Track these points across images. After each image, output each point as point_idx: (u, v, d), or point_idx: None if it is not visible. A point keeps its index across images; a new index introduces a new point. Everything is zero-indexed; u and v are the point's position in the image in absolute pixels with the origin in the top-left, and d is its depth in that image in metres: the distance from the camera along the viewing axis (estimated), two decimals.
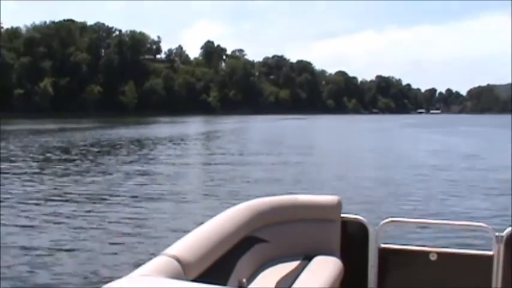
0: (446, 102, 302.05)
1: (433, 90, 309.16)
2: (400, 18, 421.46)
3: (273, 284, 3.69)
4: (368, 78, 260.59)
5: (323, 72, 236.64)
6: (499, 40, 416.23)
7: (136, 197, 17.20)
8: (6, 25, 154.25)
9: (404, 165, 28.00)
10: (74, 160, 28.59)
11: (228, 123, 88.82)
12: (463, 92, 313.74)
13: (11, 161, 27.30)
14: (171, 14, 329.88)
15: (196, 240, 3.34)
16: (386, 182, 21.48)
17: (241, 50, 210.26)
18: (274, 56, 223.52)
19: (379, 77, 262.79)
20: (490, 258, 4.14)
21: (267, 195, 4.54)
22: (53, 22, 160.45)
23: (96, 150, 35.56)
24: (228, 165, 27.43)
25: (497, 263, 4.12)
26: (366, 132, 66.01)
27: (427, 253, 4.28)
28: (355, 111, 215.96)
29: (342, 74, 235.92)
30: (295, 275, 3.86)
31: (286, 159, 30.40)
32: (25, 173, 22.83)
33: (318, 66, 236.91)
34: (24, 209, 14.72)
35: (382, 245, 4.33)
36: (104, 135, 51.33)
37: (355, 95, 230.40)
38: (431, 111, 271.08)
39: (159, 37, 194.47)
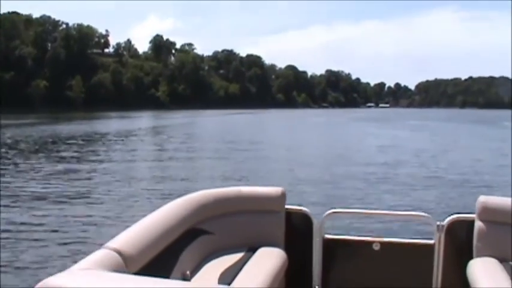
0: (395, 96, 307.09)
1: (382, 85, 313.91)
2: (349, 14, 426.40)
3: (217, 276, 3.68)
4: (318, 73, 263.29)
5: (273, 66, 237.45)
6: (447, 35, 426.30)
7: (79, 192, 17.00)
8: None
9: (350, 158, 28.45)
10: (11, 158, 27.79)
11: (177, 118, 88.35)
12: (412, 86, 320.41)
13: None
14: (121, 9, 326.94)
15: (138, 233, 3.31)
16: (332, 174, 21.77)
17: (190, 44, 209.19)
18: (223, 51, 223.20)
19: (328, 72, 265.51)
20: (431, 247, 4.25)
21: (212, 187, 4.50)
22: None
23: (36, 147, 34.65)
24: (175, 159, 27.36)
25: (438, 251, 4.23)
26: (314, 127, 66.54)
27: (371, 243, 4.34)
28: (305, 105, 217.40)
29: (291, 68, 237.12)
30: (239, 266, 3.85)
31: (234, 153, 30.44)
32: None
33: (267, 60, 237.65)
34: None
35: (326, 236, 4.38)
36: (48, 131, 50.19)
37: (305, 90, 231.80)
38: (381, 105, 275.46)
39: (107, 31, 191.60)
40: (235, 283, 3.53)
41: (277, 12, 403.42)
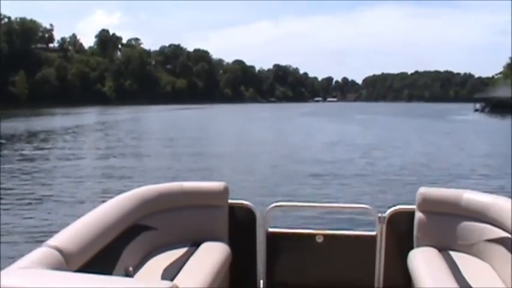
0: (342, 90, 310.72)
1: (329, 79, 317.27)
2: (296, 8, 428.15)
3: (160, 271, 3.65)
4: (265, 67, 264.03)
5: (220, 61, 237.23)
6: (393, 30, 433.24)
7: (21, 191, 16.57)
8: None
9: (295, 152, 28.68)
10: None
11: (123, 114, 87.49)
12: (359, 81, 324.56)
13: None
14: (66, 4, 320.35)
15: (79, 230, 3.26)
16: (277, 169, 21.94)
17: (137, 39, 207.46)
18: (171, 45, 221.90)
19: (276, 66, 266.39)
20: (373, 238, 4.32)
21: (156, 183, 4.44)
22: None
23: None
24: (120, 155, 27.22)
25: (380, 242, 4.30)
26: (261, 122, 66.58)
27: (314, 235, 4.38)
28: (253, 100, 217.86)
29: (239, 63, 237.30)
30: (182, 261, 3.84)
31: (179, 149, 30.39)
32: None
33: (215, 55, 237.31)
34: None
35: (270, 229, 4.40)
36: None
37: (253, 84, 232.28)
38: (328, 99, 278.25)
39: (51, 25, 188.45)
40: (178, 278, 3.51)
41: (225, 7, 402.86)
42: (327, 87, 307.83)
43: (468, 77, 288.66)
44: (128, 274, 3.54)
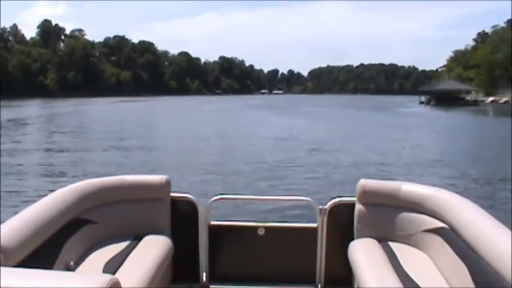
0: (288, 82, 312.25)
1: (275, 71, 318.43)
2: (242, 1, 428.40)
3: (102, 266, 3.62)
4: (211, 60, 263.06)
5: (166, 53, 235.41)
6: (339, 23, 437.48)
7: None
8: None
9: (239, 146, 28.67)
10: None
11: (66, 107, 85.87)
12: (305, 73, 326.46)
13: None
14: None
15: (18, 224, 3.21)
16: (220, 162, 21.97)
17: (80, 30, 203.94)
18: (115, 37, 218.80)
19: (222, 58, 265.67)
20: (314, 230, 4.39)
21: (97, 177, 4.44)
22: None
23: None
24: (62, 149, 26.82)
25: (321, 234, 4.38)
26: (207, 114, 66.29)
27: (255, 228, 4.43)
28: (199, 92, 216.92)
29: (184, 55, 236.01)
30: (124, 255, 3.82)
31: (122, 142, 30.14)
32: None
33: (160, 47, 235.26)
34: None
35: (212, 222, 4.43)
36: None
37: (198, 76, 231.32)
38: (274, 91, 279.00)
39: None
40: (120, 272, 3.49)
41: None
42: (273, 79, 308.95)
43: (412, 70, 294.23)
44: (69, 269, 3.50)
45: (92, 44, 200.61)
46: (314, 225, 4.42)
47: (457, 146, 30.40)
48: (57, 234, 3.54)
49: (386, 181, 4.40)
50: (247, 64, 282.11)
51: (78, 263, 3.68)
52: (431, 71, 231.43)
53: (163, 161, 22.63)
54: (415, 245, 4.05)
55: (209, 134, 36.47)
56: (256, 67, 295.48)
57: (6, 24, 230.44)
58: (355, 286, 3.99)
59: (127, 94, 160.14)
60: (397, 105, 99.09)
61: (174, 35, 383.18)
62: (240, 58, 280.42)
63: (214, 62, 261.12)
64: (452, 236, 3.58)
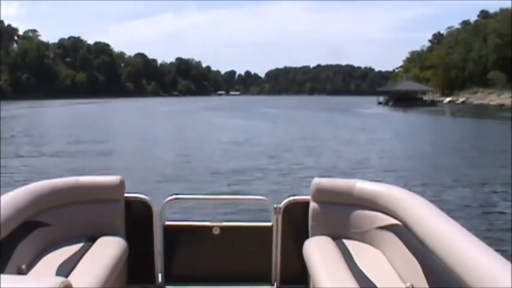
0: (245, 83, 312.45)
1: (232, 72, 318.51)
2: (198, 2, 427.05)
3: (55, 268, 3.55)
4: (168, 61, 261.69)
5: (122, 54, 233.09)
6: (295, 25, 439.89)
7: None
8: None
9: (194, 147, 28.62)
10: None
11: (19, 109, 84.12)
12: (262, 74, 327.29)
13: None
14: None
15: None
16: (175, 163, 21.94)
17: (34, 31, 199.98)
18: (70, 38, 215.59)
19: (178, 60, 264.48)
20: (269, 229, 4.41)
21: (48, 178, 4.33)
22: None
23: None
24: (14, 152, 26.35)
25: (276, 232, 4.39)
26: (163, 116, 65.80)
27: (211, 227, 4.43)
28: (155, 93, 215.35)
29: (141, 56, 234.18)
30: (77, 257, 3.76)
31: (77, 144, 29.70)
32: None
33: (116, 48, 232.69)
34: None
35: (167, 222, 4.42)
36: None
37: (155, 78, 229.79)
38: (231, 92, 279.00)
39: None
40: (73, 274, 3.43)
41: None
42: (230, 80, 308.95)
43: (369, 70, 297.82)
44: (21, 272, 3.44)
45: (46, 45, 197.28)
46: (269, 224, 4.43)
47: (415, 146, 30.80)
48: (8, 238, 3.45)
49: (340, 179, 4.44)
50: (204, 65, 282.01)
51: (30, 266, 3.60)
52: (388, 72, 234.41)
53: (117, 162, 22.50)
54: (369, 242, 4.09)
55: (165, 136, 36.28)
56: (213, 68, 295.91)
57: None
58: (311, 283, 4.00)
59: (83, 96, 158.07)
60: (355, 106, 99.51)
61: (130, 36, 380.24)
62: (197, 59, 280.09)
63: (171, 63, 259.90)
64: (405, 232, 3.63)
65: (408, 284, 3.33)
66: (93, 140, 32.89)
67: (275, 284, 4.45)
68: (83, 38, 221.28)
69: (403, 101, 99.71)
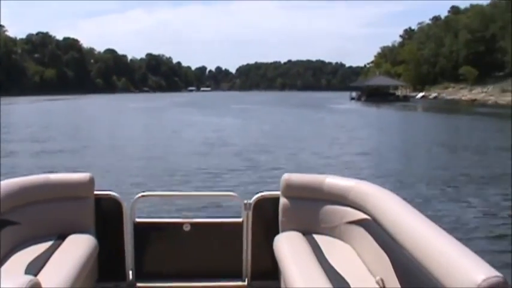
0: (216, 79, 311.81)
1: (203, 68, 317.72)
2: None
3: (23, 267, 3.52)
4: (138, 57, 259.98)
5: (91, 50, 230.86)
6: (266, 21, 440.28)
7: None
8: None
9: (164, 143, 28.59)
10: None
11: None
12: (233, 70, 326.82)
13: None
14: None
15: None
16: (145, 161, 21.84)
17: (1, 26, 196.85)
18: (38, 33, 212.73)
19: (149, 55, 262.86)
20: (239, 225, 4.43)
21: (16, 176, 4.29)
22: None
23: None
24: None
25: (246, 229, 4.42)
26: (133, 113, 65.23)
27: (181, 224, 4.43)
28: (125, 90, 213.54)
29: (111, 52, 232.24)
30: (47, 255, 3.73)
31: (46, 141, 29.37)
32: None
33: (86, 44, 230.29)
34: None
35: (137, 220, 4.41)
36: None
37: (125, 74, 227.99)
38: (202, 88, 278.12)
39: None
40: (42, 273, 3.41)
41: None
42: (201, 76, 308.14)
43: (339, 66, 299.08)
44: None
45: (13, 41, 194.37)
46: (239, 220, 4.44)
47: (389, 142, 30.94)
48: None
49: (310, 175, 4.47)
50: (174, 61, 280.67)
51: None
52: (359, 67, 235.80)
53: (86, 160, 22.31)
54: (339, 237, 4.12)
55: (135, 133, 36.07)
56: (184, 64, 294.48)
57: None
58: (281, 279, 4.02)
59: (51, 92, 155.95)
60: (328, 101, 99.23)
61: (100, 32, 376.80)
62: (168, 55, 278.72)
63: (141, 59, 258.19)
64: (374, 227, 3.66)
65: (378, 278, 3.37)
66: (62, 137, 32.57)
67: (246, 279, 4.46)
68: (52, 33, 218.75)
69: (376, 96, 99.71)
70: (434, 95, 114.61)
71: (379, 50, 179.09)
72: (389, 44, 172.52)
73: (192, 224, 4.44)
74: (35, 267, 3.52)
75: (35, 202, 4.14)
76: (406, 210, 3.37)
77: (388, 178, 17.71)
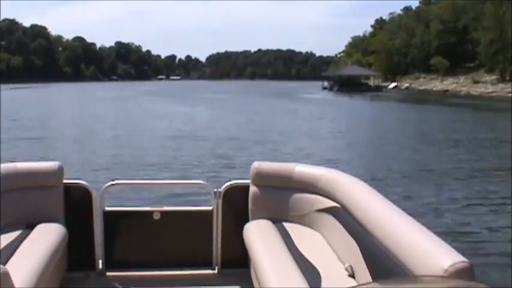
0: (186, 68, 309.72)
1: (173, 57, 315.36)
2: None
3: None
4: (107, 45, 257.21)
5: (59, 38, 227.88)
6: (236, 10, 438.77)
7: None
8: None
9: (134, 132, 28.51)
10: None
11: None
12: (202, 59, 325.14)
13: None
14: None
15: None
16: (115, 149, 21.73)
17: None
18: (4, 20, 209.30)
19: (118, 44, 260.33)
20: (209, 213, 4.43)
21: None
22: None
23: None
24: None
25: (217, 217, 4.42)
26: (101, 102, 64.46)
27: (151, 213, 4.41)
28: (94, 78, 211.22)
29: (79, 40, 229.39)
30: (15, 245, 3.71)
31: (14, 130, 28.97)
32: None
33: (54, 32, 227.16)
34: None
35: (107, 208, 4.38)
36: None
37: (94, 62, 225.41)
38: (172, 77, 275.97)
39: None
40: (11, 262, 3.37)
41: None
42: (171, 65, 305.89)
43: (309, 55, 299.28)
44: None
45: None
46: (209, 208, 4.45)
47: (362, 132, 31.03)
48: None
49: (280, 163, 4.50)
50: (144, 50, 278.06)
51: None
52: (329, 57, 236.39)
53: (54, 149, 22.07)
54: (309, 225, 4.15)
55: (103, 123, 35.70)
56: (154, 53, 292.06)
57: None
58: (251, 267, 4.03)
59: (18, 80, 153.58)
60: (300, 91, 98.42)
61: (69, 20, 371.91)
62: (137, 43, 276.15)
63: (111, 48, 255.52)
64: (344, 214, 3.69)
65: (347, 265, 3.40)
66: (29, 126, 32.14)
67: (216, 268, 4.48)
68: (19, 20, 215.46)
69: (349, 86, 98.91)
70: (406, 85, 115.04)
71: (350, 40, 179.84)
72: (361, 34, 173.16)
73: (162, 213, 4.42)
74: (4, 256, 3.47)
75: (3, 191, 4.08)
76: (375, 198, 3.41)
77: (361, 168, 17.82)
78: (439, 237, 2.69)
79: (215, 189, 4.40)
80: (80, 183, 4.35)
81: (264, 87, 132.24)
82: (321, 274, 3.32)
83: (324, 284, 3.19)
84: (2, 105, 55.01)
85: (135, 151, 21.34)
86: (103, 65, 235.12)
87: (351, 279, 3.29)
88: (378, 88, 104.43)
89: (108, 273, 4.38)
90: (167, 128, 30.49)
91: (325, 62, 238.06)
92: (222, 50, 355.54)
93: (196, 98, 71.64)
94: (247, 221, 4.31)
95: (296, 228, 4.12)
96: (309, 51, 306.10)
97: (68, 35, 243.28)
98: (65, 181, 4.31)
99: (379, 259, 2.99)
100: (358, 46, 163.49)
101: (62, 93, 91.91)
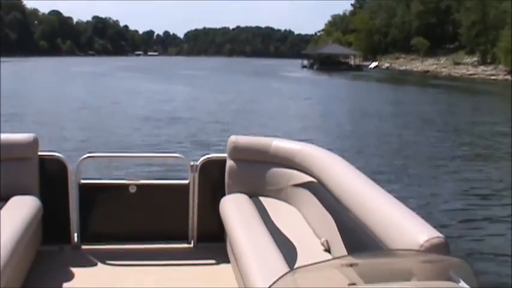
0: (164, 44, 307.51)
1: (150, 33, 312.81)
2: None
3: None
4: (84, 19, 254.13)
5: (35, 11, 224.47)
6: None
7: None
8: None
9: (110, 105, 28.54)
10: None
11: None
12: (181, 35, 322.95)
13: None
14: None
15: None
16: (90, 123, 21.68)
17: None
18: None
19: (95, 18, 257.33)
20: (186, 187, 4.43)
21: None
22: None
23: None
24: None
25: (193, 190, 4.43)
26: (78, 76, 63.67)
27: (127, 186, 4.39)
28: (70, 53, 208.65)
29: (56, 13, 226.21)
30: None
31: None
32: None
33: (29, 5, 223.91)
34: None
35: (82, 181, 4.35)
36: None
37: (70, 37, 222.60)
38: (149, 53, 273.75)
39: None
40: None
41: None
42: (148, 40, 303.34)
43: (288, 33, 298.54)
44: None
45: None
46: (186, 181, 4.44)
47: (342, 111, 31.02)
48: None
49: (257, 137, 4.49)
50: (121, 25, 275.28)
51: None
52: (308, 35, 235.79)
53: (29, 122, 21.88)
54: (285, 199, 4.16)
55: (79, 96, 35.50)
56: (131, 28, 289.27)
57: None
58: (227, 240, 4.04)
59: None
60: (279, 69, 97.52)
61: None
62: (115, 18, 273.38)
63: (88, 22, 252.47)
64: (320, 189, 3.70)
65: (323, 240, 3.41)
66: (3, 100, 31.75)
67: (192, 241, 4.48)
68: None
69: (329, 64, 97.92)
70: (386, 65, 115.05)
71: (329, 19, 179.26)
72: (341, 13, 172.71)
73: (138, 186, 4.40)
74: None
75: None
76: (351, 173, 3.42)
77: (340, 144, 17.95)
78: (415, 212, 2.71)
79: (192, 163, 4.39)
80: (55, 155, 4.30)
81: (242, 64, 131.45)
82: (297, 248, 3.33)
83: (299, 258, 3.20)
84: None
85: (111, 125, 21.35)
86: (80, 39, 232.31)
87: (327, 253, 3.31)
88: (359, 67, 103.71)
89: (83, 247, 4.36)
90: (144, 104, 30.40)
91: (304, 40, 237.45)
92: (200, 26, 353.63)
93: (175, 75, 70.91)
94: (224, 195, 4.31)
95: (272, 202, 4.12)
96: (287, 29, 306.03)
97: (44, 9, 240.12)
98: (40, 153, 4.25)
99: (355, 234, 3.01)
100: (338, 25, 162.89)
101: (37, 68, 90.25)
